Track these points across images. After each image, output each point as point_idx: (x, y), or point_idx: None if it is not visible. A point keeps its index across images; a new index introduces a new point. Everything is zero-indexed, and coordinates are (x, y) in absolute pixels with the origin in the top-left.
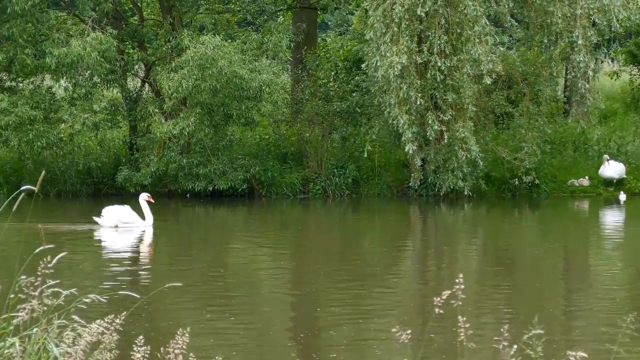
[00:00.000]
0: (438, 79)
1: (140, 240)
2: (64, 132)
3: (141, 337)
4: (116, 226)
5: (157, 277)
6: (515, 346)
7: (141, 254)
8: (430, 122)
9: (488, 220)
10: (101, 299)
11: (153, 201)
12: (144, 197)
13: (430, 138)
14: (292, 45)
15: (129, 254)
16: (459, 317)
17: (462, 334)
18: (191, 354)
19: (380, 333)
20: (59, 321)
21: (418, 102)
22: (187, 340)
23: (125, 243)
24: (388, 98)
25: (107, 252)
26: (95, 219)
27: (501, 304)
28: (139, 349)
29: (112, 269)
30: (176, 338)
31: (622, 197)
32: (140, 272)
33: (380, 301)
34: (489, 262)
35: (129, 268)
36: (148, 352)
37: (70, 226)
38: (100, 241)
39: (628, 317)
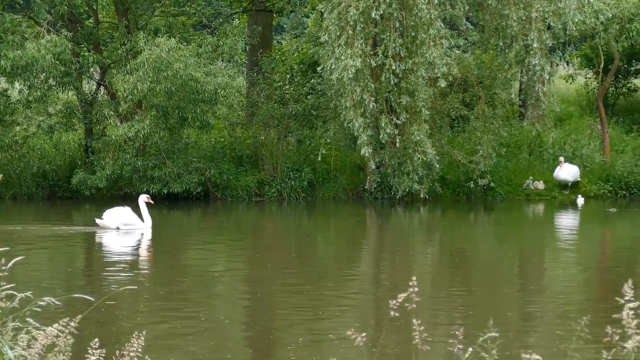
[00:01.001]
0: (392, 82)
1: (136, 242)
2: (19, 135)
3: (96, 339)
4: (117, 228)
5: (114, 280)
6: (470, 349)
7: (106, 258)
8: (383, 125)
9: (444, 223)
10: (56, 302)
11: (152, 202)
12: (143, 199)
13: (384, 141)
14: (247, 48)
15: (89, 258)
16: (414, 320)
17: (416, 337)
18: (147, 356)
19: (336, 336)
20: (14, 324)
21: (372, 106)
22: (143, 343)
23: (89, 246)
24: (343, 101)
25: (72, 255)
26: (97, 220)
27: (456, 306)
28: (93, 351)
29: (70, 272)
30: (132, 341)
31: (580, 200)
32: (96, 275)
33: (336, 304)
34: (444, 265)
35: (86, 270)
36: (103, 354)
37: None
38: (56, 243)
39: (582, 319)
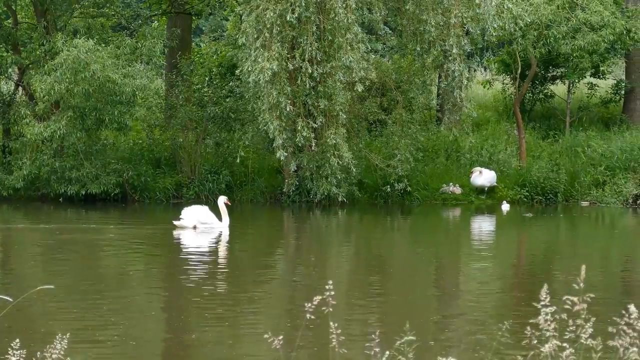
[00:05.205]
0: (309, 86)
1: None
2: None
3: (17, 340)
4: (194, 227)
5: (31, 279)
6: (388, 352)
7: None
8: (299, 128)
9: (361, 226)
10: None
11: (229, 204)
12: (223, 200)
13: (300, 144)
14: (166, 51)
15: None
16: (331, 323)
17: (334, 340)
18: (68, 358)
19: (252, 339)
20: None
21: (288, 109)
22: (65, 346)
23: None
24: (260, 104)
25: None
26: (175, 222)
27: (373, 310)
28: (14, 352)
29: None
30: (54, 343)
31: (505, 207)
32: (11, 275)
33: (252, 308)
34: (361, 269)
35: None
36: (23, 356)
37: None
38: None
39: (503, 324)
